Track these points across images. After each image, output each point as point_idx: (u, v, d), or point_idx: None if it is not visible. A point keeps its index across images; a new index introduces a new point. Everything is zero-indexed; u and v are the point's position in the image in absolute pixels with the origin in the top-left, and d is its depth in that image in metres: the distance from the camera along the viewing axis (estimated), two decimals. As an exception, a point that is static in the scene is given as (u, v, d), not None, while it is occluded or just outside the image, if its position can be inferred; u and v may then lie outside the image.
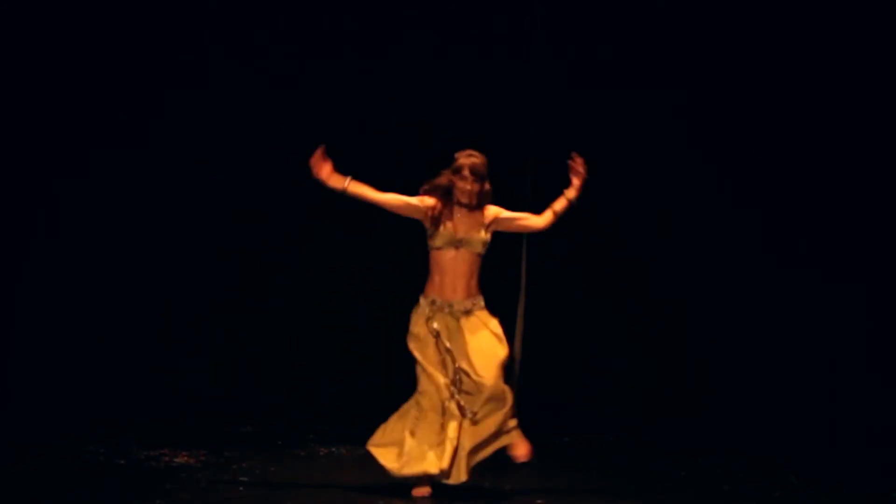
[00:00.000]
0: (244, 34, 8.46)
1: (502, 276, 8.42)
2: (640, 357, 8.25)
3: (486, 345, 5.68)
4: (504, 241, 8.39)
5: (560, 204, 5.87)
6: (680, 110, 8.14)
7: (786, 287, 7.97)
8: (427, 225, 5.71)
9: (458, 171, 5.67)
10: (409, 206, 5.71)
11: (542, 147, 8.38)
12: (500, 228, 5.85)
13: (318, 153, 5.71)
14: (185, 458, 6.46)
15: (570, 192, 5.86)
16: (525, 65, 8.35)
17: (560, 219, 5.87)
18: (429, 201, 5.70)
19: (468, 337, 5.67)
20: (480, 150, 8.40)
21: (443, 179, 5.71)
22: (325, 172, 5.70)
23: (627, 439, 7.66)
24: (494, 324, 5.78)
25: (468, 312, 5.71)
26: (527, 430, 8.16)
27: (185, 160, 8.48)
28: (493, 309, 8.39)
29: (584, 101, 8.31)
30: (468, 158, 5.69)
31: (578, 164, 5.85)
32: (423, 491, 5.67)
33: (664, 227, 8.22)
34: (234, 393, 8.47)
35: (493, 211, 5.83)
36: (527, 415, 8.33)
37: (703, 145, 8.13)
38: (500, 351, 5.72)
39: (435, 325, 5.65)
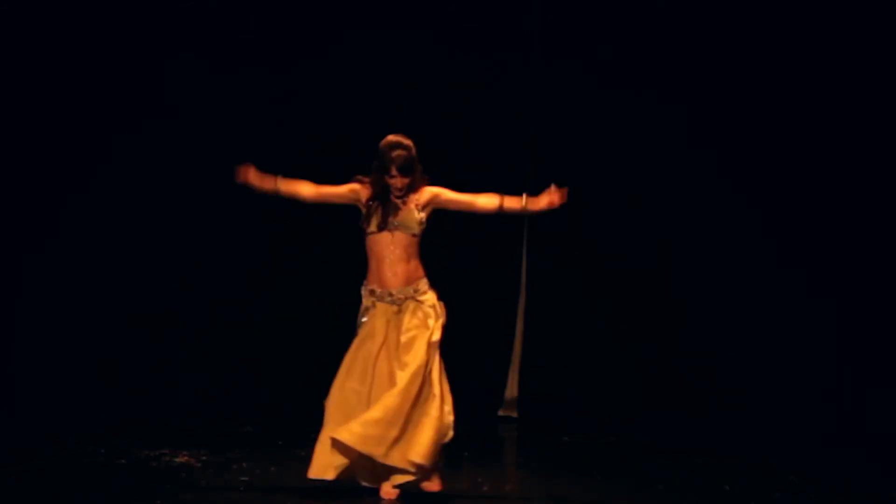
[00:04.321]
0: (246, 33, 8.47)
1: (502, 277, 8.46)
2: (640, 357, 8.25)
3: (415, 331, 5.44)
4: (504, 242, 8.47)
5: (513, 203, 5.54)
6: (680, 111, 8.14)
7: (787, 288, 7.97)
8: (361, 209, 5.53)
9: (385, 170, 5.41)
10: (343, 195, 5.54)
11: (542, 147, 8.40)
12: (440, 207, 5.57)
13: (240, 168, 5.56)
14: (186, 459, 6.46)
15: (531, 204, 5.51)
16: (525, 65, 8.36)
17: (505, 214, 5.58)
18: (361, 189, 5.49)
19: (404, 325, 5.45)
20: (480, 150, 8.47)
21: (374, 177, 5.47)
22: (252, 176, 5.55)
23: (627, 439, 7.66)
24: (430, 309, 5.49)
25: (410, 299, 5.49)
26: (527, 430, 8.22)
27: (186, 160, 8.48)
28: (493, 309, 8.50)
29: (583, 101, 8.32)
30: (392, 153, 5.41)
31: (557, 195, 5.47)
32: (390, 492, 5.44)
33: (664, 228, 8.22)
34: (234, 393, 8.47)
35: (430, 191, 5.54)
36: (527, 415, 8.40)
37: (704, 146, 8.13)
38: (426, 334, 5.44)
39: (364, 319, 5.53)
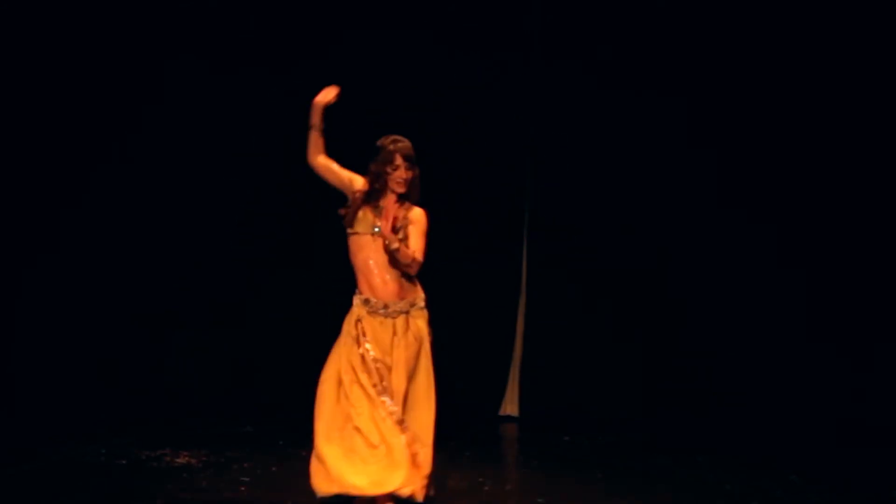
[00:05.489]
0: (246, 33, 8.47)
1: (502, 277, 8.45)
2: (641, 357, 8.25)
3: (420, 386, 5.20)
4: (504, 241, 8.47)
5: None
6: (680, 111, 8.14)
7: (787, 288, 7.97)
8: (349, 205, 5.27)
9: (389, 160, 5.20)
10: (341, 179, 5.31)
11: (542, 147, 8.40)
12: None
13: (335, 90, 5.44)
14: (186, 458, 6.46)
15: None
16: (525, 65, 8.36)
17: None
18: (357, 183, 5.26)
19: (400, 354, 5.19)
20: (480, 150, 8.48)
21: (371, 176, 5.22)
22: (319, 107, 5.45)
23: (628, 439, 7.66)
24: (426, 343, 5.26)
25: (403, 314, 5.23)
26: (527, 429, 8.22)
27: (184, 161, 8.48)
28: (492, 309, 8.50)
29: (583, 101, 8.31)
30: (396, 144, 5.23)
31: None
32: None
33: (664, 228, 8.22)
34: (234, 393, 8.47)
35: (416, 214, 5.23)
36: (527, 414, 8.40)
37: (704, 146, 8.13)
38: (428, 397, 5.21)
39: (362, 326, 5.23)
